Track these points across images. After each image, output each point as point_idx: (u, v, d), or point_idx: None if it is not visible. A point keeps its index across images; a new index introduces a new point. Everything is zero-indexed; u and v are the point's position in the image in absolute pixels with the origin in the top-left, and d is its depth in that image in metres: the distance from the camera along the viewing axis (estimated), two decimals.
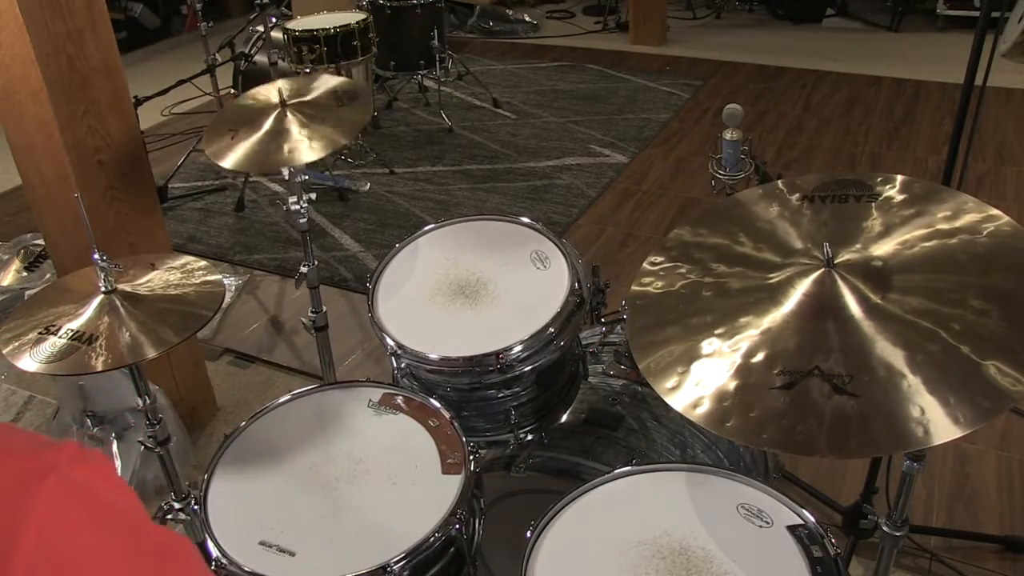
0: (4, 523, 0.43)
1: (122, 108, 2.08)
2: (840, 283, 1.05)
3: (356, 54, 3.59)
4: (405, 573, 1.14)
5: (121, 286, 1.37)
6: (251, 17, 4.06)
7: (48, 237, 2.22)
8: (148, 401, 1.47)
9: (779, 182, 1.26)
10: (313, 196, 1.90)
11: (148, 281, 1.41)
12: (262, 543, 1.18)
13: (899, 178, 1.18)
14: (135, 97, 2.87)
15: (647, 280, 1.19)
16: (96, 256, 1.34)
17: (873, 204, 1.16)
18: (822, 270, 1.07)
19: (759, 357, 1.01)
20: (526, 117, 4.55)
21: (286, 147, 1.76)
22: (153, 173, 2.29)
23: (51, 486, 0.45)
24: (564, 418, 1.58)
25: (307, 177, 1.93)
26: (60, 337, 1.29)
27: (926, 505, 2.08)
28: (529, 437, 1.53)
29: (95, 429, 2.22)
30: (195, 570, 0.55)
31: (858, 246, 1.10)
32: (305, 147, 1.76)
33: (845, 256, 1.09)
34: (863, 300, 1.03)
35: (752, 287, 1.10)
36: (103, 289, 1.35)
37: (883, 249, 1.09)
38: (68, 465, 0.47)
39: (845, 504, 1.91)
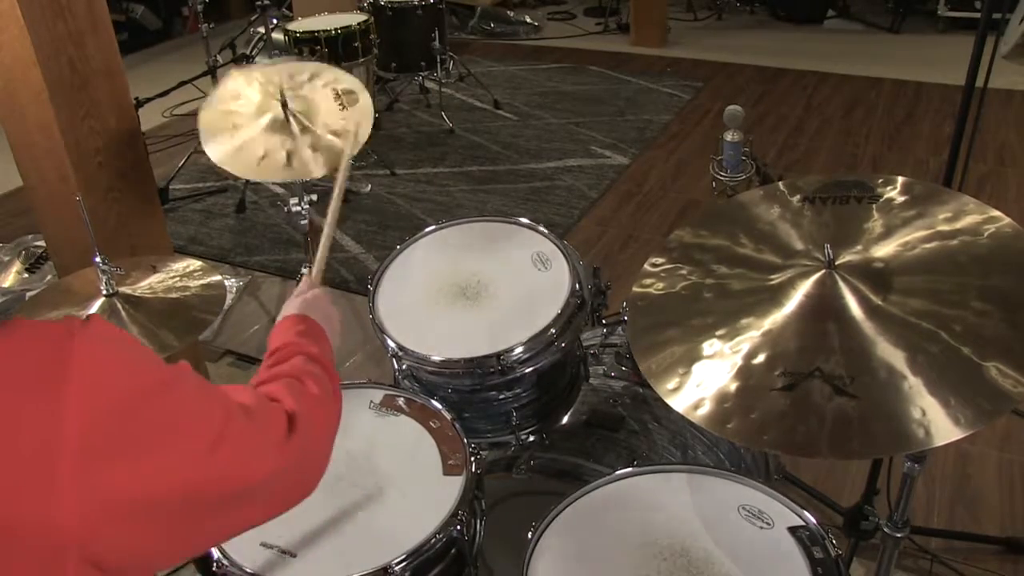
0: (54, 359, 0.64)
1: (123, 109, 2.08)
2: (841, 284, 1.05)
3: (357, 55, 3.60)
4: (407, 574, 1.14)
5: (123, 289, 1.37)
6: (252, 19, 4.07)
7: (49, 238, 2.22)
8: None
9: (780, 183, 1.26)
10: (314, 197, 1.90)
11: (149, 284, 1.41)
12: (263, 544, 1.18)
13: (900, 180, 1.18)
14: (136, 99, 2.87)
15: (648, 281, 1.19)
16: (97, 260, 1.34)
17: (874, 205, 1.16)
18: (823, 271, 1.07)
19: (760, 358, 1.01)
20: (527, 118, 4.55)
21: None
22: (154, 174, 2.29)
23: (80, 335, 0.66)
24: (565, 419, 1.58)
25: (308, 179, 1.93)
26: None
27: (927, 506, 2.08)
28: (530, 438, 1.53)
29: None
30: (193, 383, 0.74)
31: (859, 247, 1.10)
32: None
33: (846, 257, 1.09)
34: (864, 301, 1.03)
35: (753, 288, 1.10)
36: (105, 292, 1.35)
37: (884, 250, 1.09)
38: (83, 325, 0.67)
39: (846, 505, 1.91)
